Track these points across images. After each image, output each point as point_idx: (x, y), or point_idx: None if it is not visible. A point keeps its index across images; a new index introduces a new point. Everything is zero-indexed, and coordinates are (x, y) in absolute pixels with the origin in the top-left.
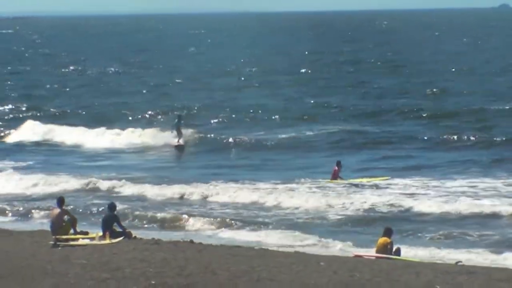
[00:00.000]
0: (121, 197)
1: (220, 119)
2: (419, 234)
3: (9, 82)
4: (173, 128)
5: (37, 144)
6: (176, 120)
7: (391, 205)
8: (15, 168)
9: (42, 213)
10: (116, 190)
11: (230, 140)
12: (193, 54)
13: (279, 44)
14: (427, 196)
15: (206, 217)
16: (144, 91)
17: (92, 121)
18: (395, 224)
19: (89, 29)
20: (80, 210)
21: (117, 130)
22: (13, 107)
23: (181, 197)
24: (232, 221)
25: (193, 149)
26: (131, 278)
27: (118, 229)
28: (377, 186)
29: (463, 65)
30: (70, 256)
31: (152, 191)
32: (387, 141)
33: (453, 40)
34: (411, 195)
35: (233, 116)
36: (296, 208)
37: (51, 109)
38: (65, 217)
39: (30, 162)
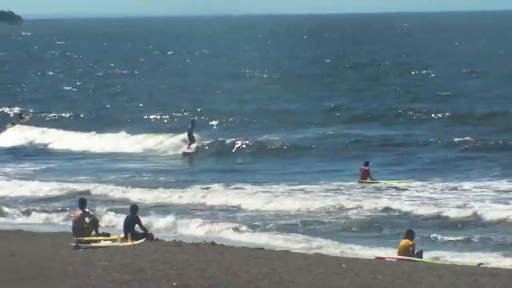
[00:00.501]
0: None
1: (228, 122)
2: (441, 237)
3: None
4: (190, 132)
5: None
6: (190, 126)
7: (411, 207)
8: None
9: (63, 215)
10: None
11: (239, 143)
12: (206, 57)
13: (293, 47)
14: (447, 199)
15: (227, 221)
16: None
17: (101, 125)
18: (417, 227)
19: (89, 30)
20: None
21: (124, 133)
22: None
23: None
24: (249, 224)
25: (208, 153)
26: (153, 280)
27: (140, 231)
28: (397, 188)
29: (478, 68)
30: (92, 258)
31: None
32: (402, 143)
33: (471, 42)
34: (430, 199)
35: (245, 119)
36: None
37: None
38: (87, 219)
39: (50, 165)
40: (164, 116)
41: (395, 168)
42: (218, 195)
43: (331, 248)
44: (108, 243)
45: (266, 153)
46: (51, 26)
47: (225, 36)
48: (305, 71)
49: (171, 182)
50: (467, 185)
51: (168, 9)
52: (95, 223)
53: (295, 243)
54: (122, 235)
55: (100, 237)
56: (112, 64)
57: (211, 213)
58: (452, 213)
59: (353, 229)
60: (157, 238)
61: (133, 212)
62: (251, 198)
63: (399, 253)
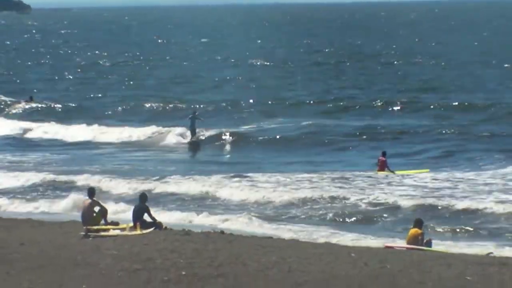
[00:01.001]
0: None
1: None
2: (449, 228)
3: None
4: (191, 123)
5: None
6: (191, 115)
7: (422, 197)
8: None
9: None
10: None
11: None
12: (207, 45)
13: (292, 36)
14: (456, 189)
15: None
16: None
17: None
18: (424, 217)
19: (96, 19)
20: None
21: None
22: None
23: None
24: (258, 214)
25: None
26: (162, 269)
27: (149, 220)
28: (405, 178)
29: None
30: (101, 247)
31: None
32: (403, 133)
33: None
34: (438, 189)
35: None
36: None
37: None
38: (96, 207)
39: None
40: (154, 105)
41: (408, 159)
42: (224, 187)
43: (339, 237)
44: (117, 232)
45: (269, 143)
46: (59, 16)
47: (227, 25)
48: (301, 60)
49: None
50: (476, 175)
51: None
52: (104, 212)
53: (301, 233)
54: (131, 224)
55: (109, 226)
56: (105, 53)
57: (219, 205)
58: (460, 203)
59: (360, 219)
60: (166, 227)
61: (142, 201)
62: (255, 188)
63: (408, 242)
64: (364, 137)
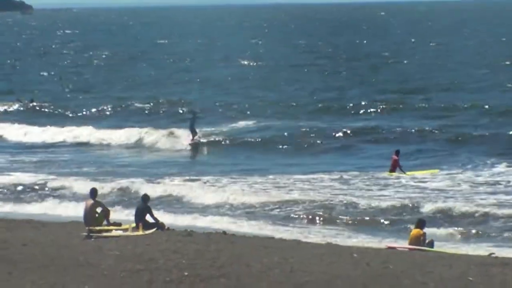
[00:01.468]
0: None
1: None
2: (452, 229)
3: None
4: (192, 124)
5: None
6: (192, 117)
7: (422, 198)
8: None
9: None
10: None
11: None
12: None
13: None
14: (457, 190)
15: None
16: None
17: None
18: (427, 218)
19: (96, 20)
20: None
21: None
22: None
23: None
24: (259, 215)
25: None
26: (164, 270)
27: (151, 221)
28: (408, 179)
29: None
30: (103, 248)
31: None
32: (401, 133)
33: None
34: (440, 190)
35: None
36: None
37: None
38: (98, 208)
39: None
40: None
41: (408, 159)
42: (224, 187)
43: (341, 238)
44: (120, 232)
45: (267, 146)
46: (60, 16)
47: (223, 25)
48: (294, 61)
49: (178, 173)
50: (476, 176)
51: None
52: (106, 212)
53: (303, 234)
54: (134, 224)
55: (111, 227)
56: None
57: (219, 206)
58: (461, 204)
59: (363, 219)
60: (168, 228)
61: (145, 202)
62: (253, 190)
63: (410, 243)
64: (364, 137)
